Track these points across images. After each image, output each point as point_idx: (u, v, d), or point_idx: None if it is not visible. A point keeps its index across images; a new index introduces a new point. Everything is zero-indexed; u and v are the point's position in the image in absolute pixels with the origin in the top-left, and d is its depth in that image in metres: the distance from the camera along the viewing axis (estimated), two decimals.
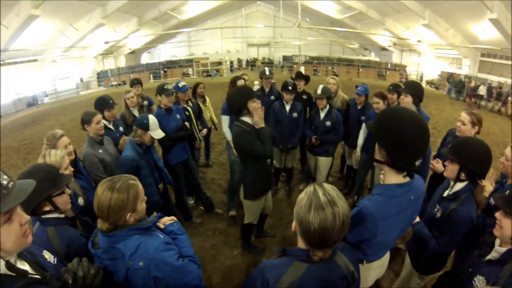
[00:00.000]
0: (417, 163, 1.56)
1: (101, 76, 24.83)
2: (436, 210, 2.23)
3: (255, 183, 3.28)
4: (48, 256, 1.49)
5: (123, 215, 1.58)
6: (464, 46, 18.19)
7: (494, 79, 17.46)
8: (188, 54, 33.28)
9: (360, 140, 4.56)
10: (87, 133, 3.37)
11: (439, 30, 18.07)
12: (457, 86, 18.10)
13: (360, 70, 27.73)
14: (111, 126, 3.94)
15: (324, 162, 4.60)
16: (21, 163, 7.96)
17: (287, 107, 4.59)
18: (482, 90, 16.58)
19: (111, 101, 3.87)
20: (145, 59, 31.24)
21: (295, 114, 4.57)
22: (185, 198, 4.53)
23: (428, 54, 23.35)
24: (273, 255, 1.49)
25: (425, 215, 2.36)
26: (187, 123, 4.33)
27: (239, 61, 32.89)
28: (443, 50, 21.90)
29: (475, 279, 1.69)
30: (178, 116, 4.20)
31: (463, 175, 2.09)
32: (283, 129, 4.63)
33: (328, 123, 4.36)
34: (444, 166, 2.25)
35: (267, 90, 5.18)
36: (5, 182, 1.07)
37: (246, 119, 3.03)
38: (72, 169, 2.50)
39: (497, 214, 1.66)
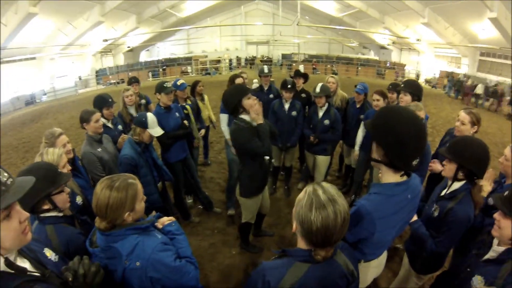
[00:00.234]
0: (414, 162, 1.57)
1: (100, 74, 24.78)
2: (433, 209, 2.24)
3: (252, 181, 3.28)
4: (49, 253, 1.49)
5: (121, 214, 1.58)
6: (463, 45, 18.23)
7: (493, 78, 17.49)
8: (187, 52, 33.26)
9: (359, 139, 4.56)
10: (85, 131, 3.35)
11: (438, 29, 18.11)
12: (456, 85, 18.12)
13: (359, 68, 27.71)
14: (109, 125, 3.93)
15: (322, 161, 4.60)
16: (20, 162, 7.95)
17: (286, 106, 4.58)
18: (480, 89, 16.62)
19: (110, 100, 3.86)
20: (143, 57, 31.21)
21: (294, 113, 4.56)
22: (184, 197, 4.53)
23: (427, 53, 23.36)
24: (272, 254, 1.49)
25: (423, 214, 2.37)
26: (186, 122, 4.32)
27: (238, 59, 32.84)
28: (442, 49, 21.92)
29: (473, 279, 1.69)
30: (177, 114, 4.19)
31: (461, 174, 2.09)
32: (282, 128, 4.61)
33: (326, 121, 4.36)
34: (442, 165, 2.25)
35: (266, 88, 5.18)
36: (4, 179, 1.07)
37: (244, 116, 3.03)
38: (70, 167, 2.49)
39: (496, 215, 1.66)
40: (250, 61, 31.91)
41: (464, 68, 20.30)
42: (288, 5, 24.07)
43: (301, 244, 1.34)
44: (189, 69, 28.07)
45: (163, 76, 26.28)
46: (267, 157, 3.22)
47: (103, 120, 3.69)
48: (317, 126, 4.43)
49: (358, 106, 4.63)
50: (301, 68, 22.76)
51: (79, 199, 2.44)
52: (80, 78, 23.22)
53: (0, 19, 12.68)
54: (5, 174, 1.09)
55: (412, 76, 23.87)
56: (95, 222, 1.63)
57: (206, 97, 5.90)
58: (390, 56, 27.86)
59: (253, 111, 2.91)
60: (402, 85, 3.83)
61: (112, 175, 1.65)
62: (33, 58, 18.42)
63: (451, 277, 2.18)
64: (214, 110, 6.16)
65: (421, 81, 22.86)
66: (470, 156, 2.01)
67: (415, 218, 2.22)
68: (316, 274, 1.29)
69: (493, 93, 15.66)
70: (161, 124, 3.41)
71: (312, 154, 4.65)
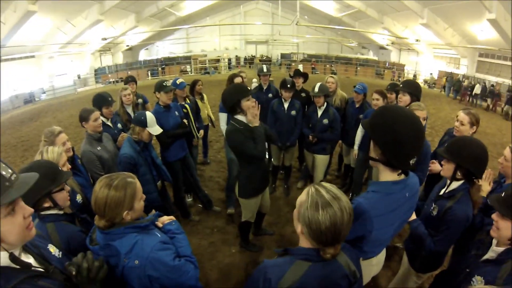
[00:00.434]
0: (412, 161, 1.57)
1: (99, 73, 24.78)
2: (432, 208, 2.25)
3: (250, 182, 3.28)
4: (53, 249, 1.50)
5: (119, 213, 1.58)
6: (462, 46, 18.27)
7: (492, 79, 17.55)
8: (186, 51, 33.23)
9: (358, 139, 4.56)
10: (85, 130, 3.35)
11: (437, 30, 18.14)
12: (455, 86, 18.18)
13: (358, 68, 27.76)
14: (109, 123, 3.93)
15: (321, 160, 4.61)
16: (19, 160, 7.95)
17: (286, 105, 4.58)
18: (477, 89, 16.73)
19: (109, 98, 3.86)
20: (143, 56, 31.17)
21: (293, 112, 4.57)
22: (184, 196, 4.53)
23: (426, 54, 23.39)
24: (272, 253, 1.49)
25: (422, 213, 2.37)
26: (185, 120, 4.32)
27: (237, 58, 32.85)
28: (441, 50, 21.96)
29: (473, 279, 1.70)
30: (176, 113, 4.19)
31: (459, 174, 2.10)
32: (282, 127, 4.63)
33: (325, 121, 4.36)
34: (441, 165, 2.26)
35: (265, 87, 5.18)
36: (7, 175, 1.08)
37: (240, 117, 3.03)
38: (69, 166, 2.49)
39: (494, 216, 1.67)
40: (249, 61, 31.91)
41: (463, 69, 20.35)
42: (287, 4, 24.06)
43: (306, 244, 1.34)
44: (188, 68, 28.04)
45: (162, 75, 26.26)
46: (266, 158, 3.22)
47: (102, 118, 3.69)
48: (316, 125, 4.44)
49: (357, 106, 4.64)
50: (300, 67, 22.78)
51: (79, 198, 2.44)
52: (79, 77, 23.20)
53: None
54: (9, 170, 1.09)
55: (410, 77, 23.89)
56: (94, 220, 1.63)
57: (205, 96, 5.90)
58: (389, 56, 27.89)
59: (250, 114, 2.91)
60: (401, 85, 3.84)
61: (111, 174, 1.66)
62: (32, 57, 18.42)
63: (450, 277, 2.19)
64: (213, 109, 6.17)
65: (420, 81, 22.88)
66: (468, 156, 2.02)
67: (414, 217, 2.23)
68: (316, 273, 1.29)
69: (490, 93, 15.79)
70: (160, 123, 3.41)
71: (311, 153, 4.66)
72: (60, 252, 1.54)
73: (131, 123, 3.32)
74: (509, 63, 16.32)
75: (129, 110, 4.59)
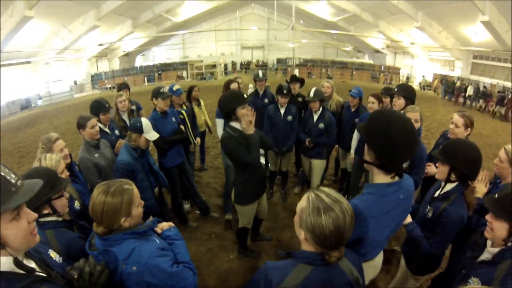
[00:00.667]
0: (405, 165, 1.60)
1: (95, 79, 24.77)
2: (427, 210, 2.27)
3: (246, 189, 3.29)
4: (53, 255, 1.51)
5: (117, 220, 1.59)
6: (456, 48, 18.44)
7: (487, 80, 17.70)
8: (183, 56, 33.26)
9: (354, 143, 4.58)
10: (83, 137, 3.36)
11: (432, 33, 18.29)
12: (450, 88, 18.34)
13: (354, 72, 27.92)
14: (107, 130, 3.94)
15: (318, 165, 4.63)
16: (16, 166, 7.88)
17: (282, 110, 4.60)
18: (470, 91, 16.95)
19: (106, 105, 3.87)
20: (139, 61, 31.17)
21: (289, 117, 4.58)
22: (181, 202, 4.52)
23: (421, 56, 23.57)
24: (270, 258, 1.50)
25: (418, 215, 2.39)
26: (182, 127, 4.33)
27: (233, 64, 32.96)
28: (436, 52, 22.14)
29: (470, 280, 1.71)
30: (173, 119, 4.20)
31: (453, 176, 2.12)
32: (278, 133, 4.64)
33: (321, 125, 4.38)
34: (437, 168, 2.29)
35: (261, 93, 5.20)
36: (13, 181, 1.10)
37: (235, 124, 3.04)
38: (68, 173, 2.49)
39: (488, 217, 1.68)
40: (245, 66, 32.01)
41: (458, 71, 20.51)
42: (283, 9, 24.19)
43: (309, 248, 1.34)
44: (184, 74, 28.08)
45: (158, 81, 26.31)
46: (263, 162, 3.23)
47: (100, 125, 3.69)
48: (312, 130, 4.45)
49: (353, 110, 4.66)
50: (296, 72, 22.88)
51: (77, 204, 2.44)
52: (75, 83, 23.18)
53: None
54: (14, 176, 1.12)
55: (404, 80, 24.08)
56: (93, 226, 1.64)
57: (202, 102, 5.91)
58: (385, 60, 28.08)
59: (244, 121, 2.91)
60: (396, 89, 3.88)
61: (109, 181, 1.67)
62: (28, 62, 18.37)
63: (447, 279, 2.20)
64: (209, 115, 6.16)
65: (415, 84, 23.05)
66: (462, 158, 2.04)
67: (409, 220, 2.25)
68: (318, 277, 1.30)
69: (483, 94, 16.06)
70: (157, 129, 3.42)
71: (308, 158, 4.68)
72: (61, 258, 1.55)
73: (127, 130, 3.33)
74: (503, 64, 16.47)
75: (124, 116, 4.60)
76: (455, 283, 1.91)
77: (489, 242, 1.77)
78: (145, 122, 3.17)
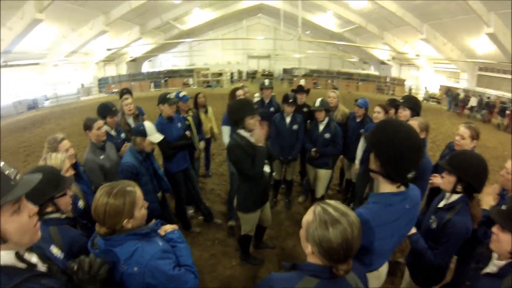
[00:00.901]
0: (410, 175, 1.59)
1: (102, 83, 25.00)
2: (431, 220, 2.25)
3: (248, 197, 3.30)
4: (55, 251, 1.52)
5: (119, 221, 1.59)
6: (462, 60, 18.41)
7: (492, 92, 17.66)
8: (189, 64, 33.52)
9: (359, 153, 4.57)
10: (89, 138, 3.39)
11: (437, 45, 18.32)
12: (454, 100, 18.33)
13: (360, 83, 27.92)
14: (113, 133, 3.96)
15: (323, 175, 4.62)
16: (21, 165, 7.94)
17: (288, 119, 4.61)
18: (473, 102, 16.98)
19: (113, 108, 3.92)
20: (146, 67, 31.45)
21: (295, 127, 4.60)
22: (185, 207, 4.52)
23: (427, 68, 23.58)
24: (273, 266, 1.48)
25: (422, 226, 2.37)
26: (188, 132, 4.35)
27: (240, 72, 33.12)
28: (442, 64, 22.13)
29: None
30: (179, 125, 4.23)
31: (459, 187, 2.11)
32: (283, 141, 4.65)
33: (327, 135, 4.39)
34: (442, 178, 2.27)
35: (267, 101, 5.22)
36: (12, 175, 1.11)
37: (243, 133, 3.06)
38: (73, 171, 2.51)
39: (494, 228, 1.66)
40: (251, 75, 32.16)
41: (464, 83, 20.47)
42: (289, 20, 24.36)
43: (316, 261, 1.32)
44: (190, 81, 28.25)
45: (165, 87, 26.47)
46: (268, 171, 3.23)
47: (106, 128, 3.72)
48: (317, 140, 4.45)
49: (358, 120, 4.66)
50: (302, 82, 22.96)
51: (81, 203, 2.46)
52: (82, 86, 23.38)
53: (6, 23, 12.88)
54: (13, 170, 1.13)
55: (407, 91, 24.05)
56: (95, 227, 1.64)
57: (210, 109, 5.94)
58: (390, 71, 28.08)
59: (257, 134, 2.96)
60: (402, 101, 3.89)
61: (112, 182, 1.68)
62: (37, 64, 18.59)
63: None
64: (215, 122, 6.18)
65: (420, 96, 23.03)
66: (469, 169, 2.03)
67: (413, 230, 2.23)
68: None
69: (487, 105, 16.17)
70: (163, 134, 3.44)
71: (314, 168, 4.67)
72: (62, 254, 1.56)
73: (132, 134, 3.35)
74: (509, 76, 16.42)
75: (130, 120, 4.63)
76: None
77: (495, 255, 1.75)
78: (148, 124, 3.19)
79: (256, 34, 31.10)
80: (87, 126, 3.31)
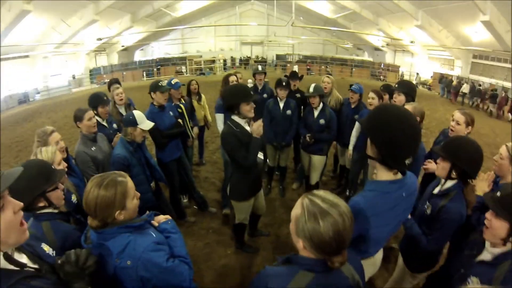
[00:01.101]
0: (407, 161, 1.57)
1: (94, 73, 24.67)
2: (426, 207, 2.25)
3: (241, 185, 3.28)
4: (46, 248, 1.49)
5: (111, 213, 1.57)
6: (456, 48, 18.39)
7: (486, 80, 17.72)
8: (182, 52, 33.14)
9: (353, 139, 4.56)
10: (80, 130, 3.33)
11: (432, 31, 18.27)
12: (448, 87, 18.38)
13: (354, 69, 27.85)
14: (104, 123, 3.91)
15: (318, 161, 4.61)
16: (13, 161, 7.86)
17: (281, 105, 4.59)
18: (466, 88, 17.11)
19: (105, 98, 3.86)
20: (138, 56, 31.04)
21: (289, 112, 4.57)
22: (179, 197, 4.50)
23: (421, 55, 23.54)
24: (268, 254, 1.46)
25: (416, 212, 2.37)
26: (180, 120, 4.30)
27: (233, 59, 32.84)
28: (436, 51, 22.11)
29: (469, 280, 1.69)
30: (171, 113, 4.18)
31: (454, 173, 2.10)
32: (277, 127, 4.63)
33: (322, 121, 4.36)
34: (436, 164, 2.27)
35: (260, 87, 5.18)
36: None
37: (238, 119, 3.01)
38: (65, 164, 2.47)
39: (487, 214, 1.66)
40: (245, 62, 31.91)
41: (458, 70, 20.50)
42: (282, 5, 24.12)
43: (307, 253, 1.28)
44: (183, 69, 27.97)
45: (157, 76, 26.17)
46: (261, 157, 3.21)
47: (98, 118, 3.66)
48: (312, 126, 4.43)
49: (353, 106, 4.63)
50: (296, 68, 22.86)
51: (74, 198, 2.42)
52: (74, 77, 23.05)
53: None
54: None
55: (398, 78, 24.07)
56: (87, 220, 1.62)
57: (203, 97, 5.88)
58: (384, 57, 28.02)
59: (256, 126, 2.93)
60: (396, 85, 3.87)
61: (103, 174, 1.64)
62: (26, 56, 18.24)
63: (443, 277, 2.19)
64: (209, 110, 6.13)
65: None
66: (464, 155, 2.02)
67: (408, 216, 2.23)
68: (320, 284, 1.24)
69: (478, 92, 16.31)
70: (155, 122, 3.39)
71: (308, 154, 4.65)
72: (54, 252, 1.52)
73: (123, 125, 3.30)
74: (503, 64, 16.48)
75: (122, 110, 4.56)
76: (453, 281, 1.89)
77: (488, 242, 1.75)
78: (137, 113, 3.14)
79: (249, 20, 30.67)
80: (78, 117, 3.24)
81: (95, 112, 3.74)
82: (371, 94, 4.14)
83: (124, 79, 23.53)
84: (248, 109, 2.95)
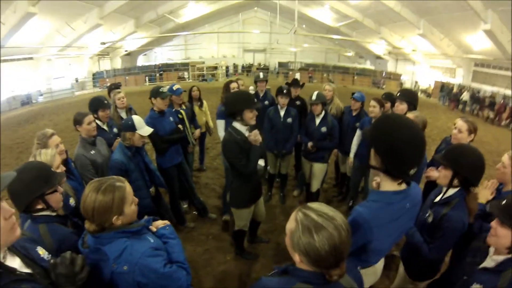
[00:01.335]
0: (412, 171, 1.54)
1: (97, 77, 24.72)
2: (428, 215, 2.23)
3: (241, 192, 3.27)
4: (42, 252, 1.47)
5: (108, 218, 1.55)
6: (458, 56, 18.43)
7: (488, 89, 17.74)
8: (184, 57, 33.27)
9: (354, 147, 4.55)
10: (79, 133, 3.32)
11: (433, 40, 18.30)
12: (449, 95, 18.44)
13: (355, 78, 27.93)
14: (105, 127, 3.90)
15: (319, 169, 4.59)
16: (14, 162, 7.86)
17: (282, 112, 4.59)
18: (465, 96, 17.19)
19: (105, 102, 3.85)
20: (141, 61, 31.16)
21: (289, 120, 4.57)
22: (179, 202, 4.48)
23: (423, 63, 23.59)
24: (267, 261, 1.43)
25: (418, 220, 2.35)
26: (180, 126, 4.30)
27: (235, 66, 32.98)
28: (437, 60, 22.16)
29: (472, 287, 1.67)
30: (171, 118, 4.18)
31: (456, 181, 2.08)
32: (278, 135, 4.63)
33: (323, 129, 4.35)
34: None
35: (261, 94, 5.19)
36: None
37: (239, 126, 3.00)
38: (64, 167, 2.46)
39: (493, 223, 1.65)
40: (247, 69, 32.04)
41: (459, 78, 20.53)
42: (285, 13, 24.21)
43: (306, 267, 1.24)
44: (185, 74, 28.06)
45: (159, 81, 26.27)
46: (262, 164, 3.20)
47: (98, 122, 3.66)
48: (314, 133, 4.42)
49: (354, 114, 4.63)
50: (298, 76, 22.91)
51: (72, 201, 2.41)
52: (77, 80, 23.12)
53: None
54: None
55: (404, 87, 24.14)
56: (85, 224, 1.60)
57: (205, 103, 5.88)
58: (386, 66, 28.07)
59: (254, 135, 2.93)
60: (398, 94, 3.86)
61: (101, 178, 1.63)
62: (30, 58, 18.31)
63: (446, 285, 2.16)
64: (210, 116, 6.13)
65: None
66: (466, 163, 2.01)
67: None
68: None
69: (477, 99, 16.52)
70: (155, 128, 3.38)
71: (309, 162, 4.64)
72: (50, 255, 1.50)
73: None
74: (504, 72, 16.49)
75: (123, 114, 4.57)
76: None
77: (491, 249, 1.73)
78: (136, 118, 3.13)
79: (252, 27, 30.85)
80: (77, 121, 3.24)
81: (96, 116, 3.74)
82: (372, 103, 4.14)
83: (127, 84, 23.64)
84: (251, 116, 2.94)
